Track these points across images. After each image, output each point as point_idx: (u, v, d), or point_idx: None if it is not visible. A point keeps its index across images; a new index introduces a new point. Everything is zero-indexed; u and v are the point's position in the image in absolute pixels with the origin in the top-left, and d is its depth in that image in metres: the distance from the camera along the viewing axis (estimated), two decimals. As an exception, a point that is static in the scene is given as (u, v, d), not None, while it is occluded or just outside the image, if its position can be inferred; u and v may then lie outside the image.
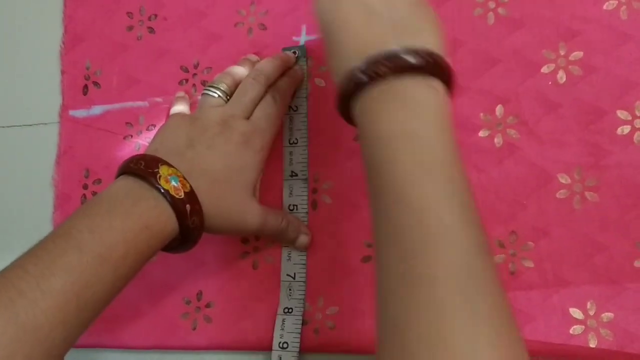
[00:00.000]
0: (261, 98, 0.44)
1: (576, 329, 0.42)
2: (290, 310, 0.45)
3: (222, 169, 0.40)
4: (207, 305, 0.47)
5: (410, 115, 0.31)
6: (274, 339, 0.45)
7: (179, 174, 0.38)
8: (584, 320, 0.42)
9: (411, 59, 0.31)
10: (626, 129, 0.43)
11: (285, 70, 0.47)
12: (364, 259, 0.45)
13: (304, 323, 0.45)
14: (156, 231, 0.36)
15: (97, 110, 0.51)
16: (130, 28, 0.51)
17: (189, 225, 0.37)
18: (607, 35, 0.44)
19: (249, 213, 0.41)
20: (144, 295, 0.48)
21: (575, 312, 0.42)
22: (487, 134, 0.45)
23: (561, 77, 0.44)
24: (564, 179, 0.43)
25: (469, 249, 0.27)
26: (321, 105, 0.47)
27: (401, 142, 0.30)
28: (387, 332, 0.28)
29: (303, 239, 0.45)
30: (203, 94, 0.44)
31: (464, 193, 0.29)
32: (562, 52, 0.45)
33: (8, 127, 0.53)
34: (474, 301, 0.26)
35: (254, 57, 0.48)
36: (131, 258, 0.35)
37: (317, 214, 0.47)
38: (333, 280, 0.45)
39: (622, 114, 0.43)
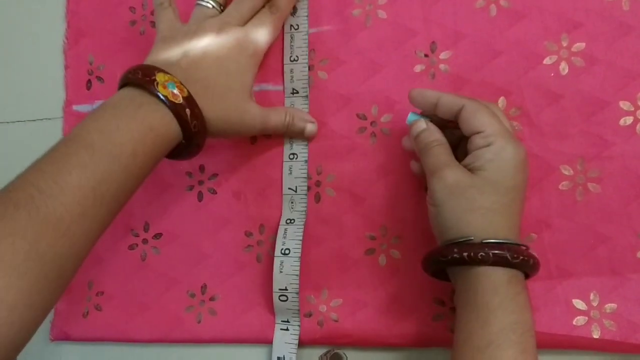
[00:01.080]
0: (257, 9, 0.45)
1: (579, 320, 0.42)
2: (292, 221, 0.46)
3: (217, 74, 0.42)
4: (212, 299, 0.47)
5: (508, 305, 0.35)
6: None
7: (176, 80, 0.39)
8: (587, 311, 0.42)
9: (506, 255, 0.35)
10: (629, 119, 0.43)
11: None
12: (367, 251, 0.45)
13: (308, 315, 0.45)
14: (161, 133, 0.38)
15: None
16: (133, 23, 0.51)
17: (191, 129, 0.39)
18: (609, 26, 0.44)
19: (248, 113, 0.43)
20: (149, 288, 0.48)
21: (579, 303, 0.42)
22: (489, 126, 0.45)
23: (563, 68, 0.44)
24: (566, 170, 0.43)
25: None
26: (323, 98, 0.48)
27: (500, 320, 0.35)
28: None
29: (311, 127, 0.46)
30: (197, 4, 0.45)
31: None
32: (564, 44, 0.45)
33: (12, 122, 0.53)
34: None
35: None
36: (140, 158, 0.37)
37: (320, 207, 0.47)
38: (336, 272, 0.46)
39: (624, 105, 0.43)
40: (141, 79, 0.39)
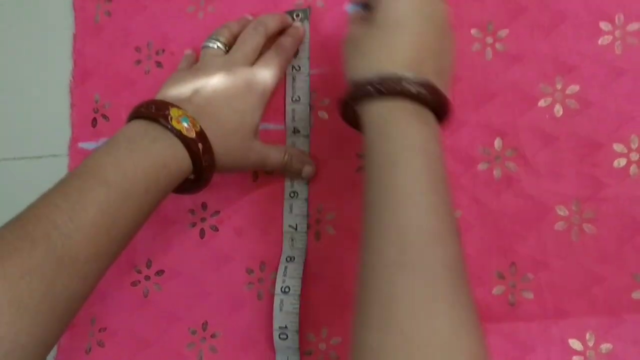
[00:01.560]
0: (261, 48, 0.47)
1: (576, 360, 0.42)
2: (292, 259, 0.47)
3: (227, 111, 0.43)
4: (213, 336, 0.48)
5: (424, 136, 0.35)
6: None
7: (189, 115, 0.40)
8: (583, 352, 0.42)
9: (425, 92, 0.36)
10: (622, 161, 0.44)
11: (286, 28, 0.49)
12: (366, 289, 0.46)
13: (308, 354, 0.46)
14: (173, 169, 0.39)
15: (105, 142, 0.52)
16: (139, 62, 0.53)
17: (202, 163, 0.40)
18: (602, 69, 0.45)
19: (252, 150, 0.44)
20: (151, 325, 0.49)
21: (575, 343, 0.43)
22: (486, 167, 0.46)
23: (558, 110, 0.45)
24: (562, 211, 0.44)
25: (458, 256, 0.32)
26: (324, 137, 0.49)
27: (413, 155, 0.34)
28: (373, 305, 0.30)
29: (308, 169, 0.47)
30: (203, 46, 0.47)
31: (453, 208, 0.34)
32: (558, 86, 0.46)
33: (18, 159, 0.54)
34: (460, 296, 0.30)
35: (250, 17, 0.51)
36: (151, 194, 0.38)
37: (320, 245, 0.47)
38: (336, 311, 0.46)
39: (617, 147, 0.44)
40: (155, 112, 0.40)
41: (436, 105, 0.36)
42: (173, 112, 0.40)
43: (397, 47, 0.37)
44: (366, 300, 0.31)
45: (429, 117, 0.36)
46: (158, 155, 0.38)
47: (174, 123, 0.39)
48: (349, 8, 0.42)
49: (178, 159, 0.39)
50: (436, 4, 0.39)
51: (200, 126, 0.40)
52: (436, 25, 0.38)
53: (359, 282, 0.32)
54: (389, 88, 0.35)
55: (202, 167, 0.40)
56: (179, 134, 0.39)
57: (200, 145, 0.40)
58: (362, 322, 0.30)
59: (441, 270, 0.30)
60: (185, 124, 0.39)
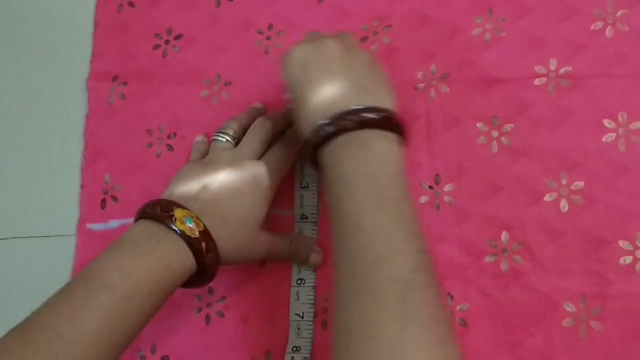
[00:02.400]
0: (269, 141, 0.48)
1: None
2: (298, 349, 0.46)
3: (233, 207, 0.43)
4: None
5: (370, 160, 0.38)
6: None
7: (193, 215, 0.41)
8: None
9: (371, 115, 0.39)
10: (628, 259, 0.44)
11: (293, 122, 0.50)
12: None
13: None
14: (176, 270, 0.40)
15: (114, 224, 0.53)
16: (150, 145, 0.54)
17: (206, 261, 0.41)
18: (606, 166, 0.46)
19: (258, 242, 0.45)
20: None
21: None
22: (493, 260, 0.46)
23: (564, 206, 0.46)
24: (569, 307, 0.44)
25: (412, 267, 0.33)
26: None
27: (362, 180, 0.37)
28: (337, 336, 0.33)
29: (315, 258, 0.48)
30: (213, 139, 0.48)
31: (412, 222, 0.36)
32: (563, 182, 0.46)
33: (25, 237, 0.54)
34: (410, 307, 0.31)
35: (259, 105, 0.52)
36: (154, 296, 0.38)
37: (327, 334, 0.47)
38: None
39: (623, 244, 0.44)
40: (160, 214, 0.41)
41: (382, 122, 0.39)
42: (177, 213, 0.40)
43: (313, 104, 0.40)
44: (335, 328, 0.33)
45: (374, 138, 0.38)
46: (162, 257, 0.39)
47: (178, 224, 0.40)
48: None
49: (182, 258, 0.40)
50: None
51: (204, 225, 0.41)
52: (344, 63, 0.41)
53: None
54: (323, 133, 0.39)
55: (205, 264, 0.41)
56: (182, 235, 0.40)
57: (203, 244, 0.40)
58: (334, 351, 0.33)
59: (388, 286, 0.32)
60: (189, 224, 0.40)
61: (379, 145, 0.38)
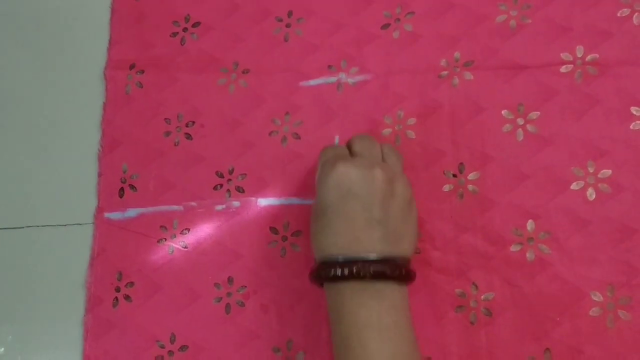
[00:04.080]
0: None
1: None
2: None
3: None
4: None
5: (383, 312, 0.38)
6: None
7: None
8: None
9: (388, 271, 0.38)
10: (657, 248, 0.44)
11: None
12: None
13: None
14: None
15: (132, 213, 0.52)
16: (168, 134, 0.53)
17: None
18: (634, 154, 0.45)
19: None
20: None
21: None
22: (518, 249, 0.45)
23: (591, 194, 0.45)
24: (596, 296, 0.44)
25: None
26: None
27: (376, 331, 0.37)
28: None
29: None
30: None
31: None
32: (590, 170, 0.46)
33: (43, 226, 0.54)
34: None
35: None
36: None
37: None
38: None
39: (652, 233, 0.44)
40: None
41: (396, 275, 0.38)
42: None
43: (339, 231, 0.39)
44: None
45: (385, 288, 0.38)
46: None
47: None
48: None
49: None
50: (365, 177, 0.40)
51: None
52: (370, 199, 0.40)
53: None
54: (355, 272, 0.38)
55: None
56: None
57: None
58: None
59: None
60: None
61: (392, 296, 0.39)
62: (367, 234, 0.39)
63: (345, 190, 0.40)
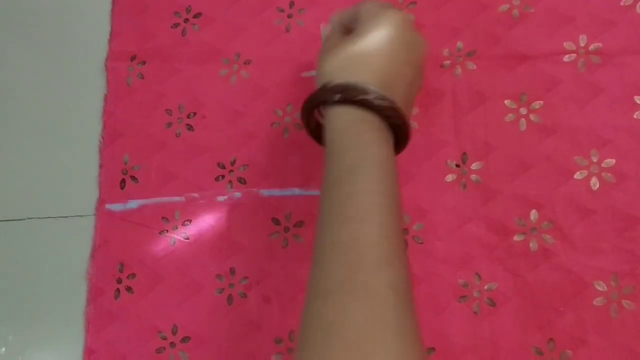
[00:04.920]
0: None
1: None
2: None
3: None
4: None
5: (377, 140, 0.36)
6: None
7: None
8: None
9: (390, 112, 0.36)
10: (661, 237, 0.43)
11: None
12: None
13: None
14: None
15: (133, 204, 0.52)
16: (169, 125, 0.53)
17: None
18: (638, 143, 0.45)
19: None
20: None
21: None
22: (522, 239, 0.45)
23: (594, 183, 0.45)
24: (600, 286, 0.44)
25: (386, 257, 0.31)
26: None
27: (368, 163, 0.34)
28: (301, 335, 0.30)
29: None
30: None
31: (399, 212, 0.34)
32: (594, 159, 0.45)
33: (44, 218, 0.54)
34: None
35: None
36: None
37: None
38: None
39: (656, 222, 0.44)
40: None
41: (397, 126, 0.37)
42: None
43: (372, 64, 0.37)
44: (310, 322, 0.30)
45: (389, 137, 0.37)
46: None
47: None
48: (324, 28, 0.42)
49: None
50: (417, 38, 0.40)
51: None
52: (413, 57, 0.39)
53: (306, 300, 0.31)
54: (355, 96, 0.36)
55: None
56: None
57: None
58: (304, 345, 0.29)
59: (387, 295, 0.29)
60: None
61: (391, 143, 0.37)
62: (398, 86, 0.38)
63: (403, 28, 0.38)
